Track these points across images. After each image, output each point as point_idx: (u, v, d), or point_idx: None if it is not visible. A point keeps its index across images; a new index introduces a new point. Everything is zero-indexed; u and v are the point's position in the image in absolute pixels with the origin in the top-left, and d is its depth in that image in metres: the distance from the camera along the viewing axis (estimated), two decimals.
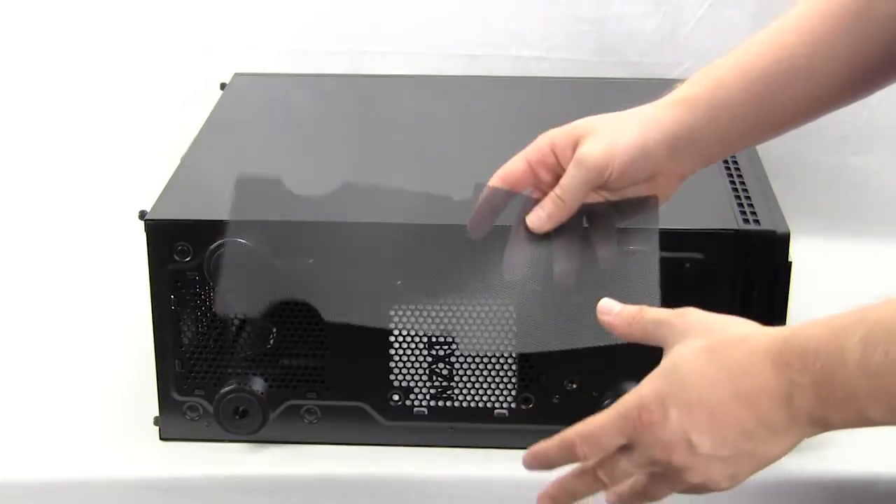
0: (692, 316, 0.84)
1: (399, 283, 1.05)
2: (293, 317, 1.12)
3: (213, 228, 1.09)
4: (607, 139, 0.97)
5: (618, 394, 1.11)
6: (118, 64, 1.61)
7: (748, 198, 1.14)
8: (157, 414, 1.15)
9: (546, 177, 1.01)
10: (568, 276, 0.99)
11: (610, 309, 0.89)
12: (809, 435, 0.79)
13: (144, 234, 1.10)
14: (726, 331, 0.82)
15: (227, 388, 1.12)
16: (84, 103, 1.62)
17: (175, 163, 1.22)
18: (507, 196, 1.01)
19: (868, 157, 1.56)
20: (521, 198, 1.01)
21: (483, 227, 1.01)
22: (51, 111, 1.62)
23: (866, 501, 1.11)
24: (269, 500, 1.12)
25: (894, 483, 1.10)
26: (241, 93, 1.41)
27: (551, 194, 0.99)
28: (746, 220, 1.09)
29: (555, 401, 1.13)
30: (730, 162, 1.21)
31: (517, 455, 1.13)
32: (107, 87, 1.61)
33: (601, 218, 1.01)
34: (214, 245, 1.08)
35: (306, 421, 1.15)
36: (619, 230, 1.00)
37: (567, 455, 0.84)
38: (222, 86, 1.42)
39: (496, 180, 1.01)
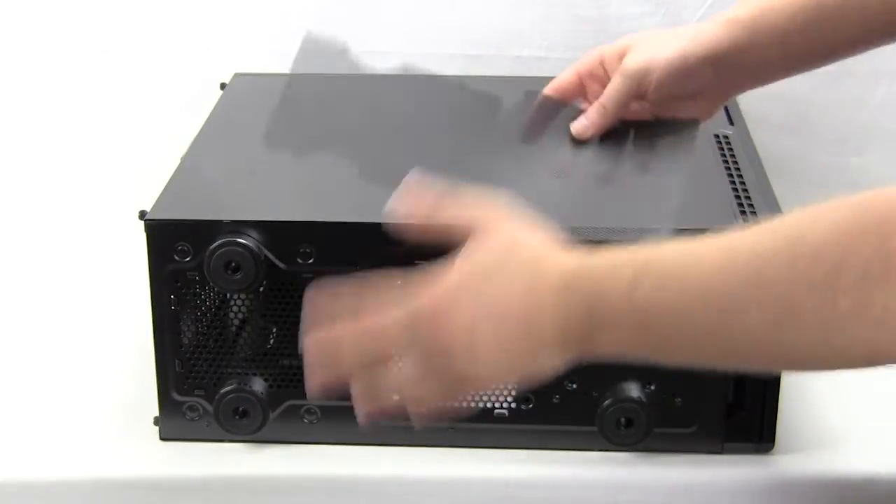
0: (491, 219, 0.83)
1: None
2: (293, 317, 1.12)
3: (213, 228, 1.09)
4: (650, 51, 1.05)
5: (618, 394, 1.11)
6: (118, 64, 1.61)
7: (748, 198, 1.14)
8: (157, 414, 1.15)
9: (595, 88, 1.09)
10: (606, 177, 1.06)
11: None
12: (580, 357, 0.79)
13: (144, 234, 1.10)
14: (522, 247, 0.81)
15: (227, 388, 1.12)
16: (84, 103, 1.62)
17: (175, 163, 1.22)
18: (557, 105, 1.09)
19: (868, 157, 1.56)
20: (571, 107, 1.10)
21: (535, 132, 1.08)
22: (51, 111, 1.62)
23: (866, 501, 1.11)
24: (269, 500, 1.12)
25: (894, 483, 1.11)
26: (241, 93, 1.41)
27: (595, 103, 1.08)
28: (746, 220, 1.09)
29: (555, 401, 1.13)
30: (730, 162, 1.21)
31: (517, 455, 1.14)
32: (107, 87, 1.61)
33: (643, 130, 1.08)
34: (214, 245, 1.08)
35: (306, 421, 1.15)
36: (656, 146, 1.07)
37: (350, 344, 0.83)
38: (222, 86, 1.42)
39: (548, 90, 1.10)
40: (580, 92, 1.10)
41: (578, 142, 1.09)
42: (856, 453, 1.12)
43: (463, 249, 0.82)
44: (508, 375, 0.82)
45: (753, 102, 1.34)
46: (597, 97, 1.09)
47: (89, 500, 1.11)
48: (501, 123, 1.12)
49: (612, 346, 0.78)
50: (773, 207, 1.13)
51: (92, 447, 1.15)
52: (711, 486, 1.11)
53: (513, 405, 1.13)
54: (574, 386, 1.12)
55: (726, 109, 1.35)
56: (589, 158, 1.07)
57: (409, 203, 0.86)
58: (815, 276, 0.70)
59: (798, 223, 0.73)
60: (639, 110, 1.09)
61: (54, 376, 1.25)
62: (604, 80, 1.09)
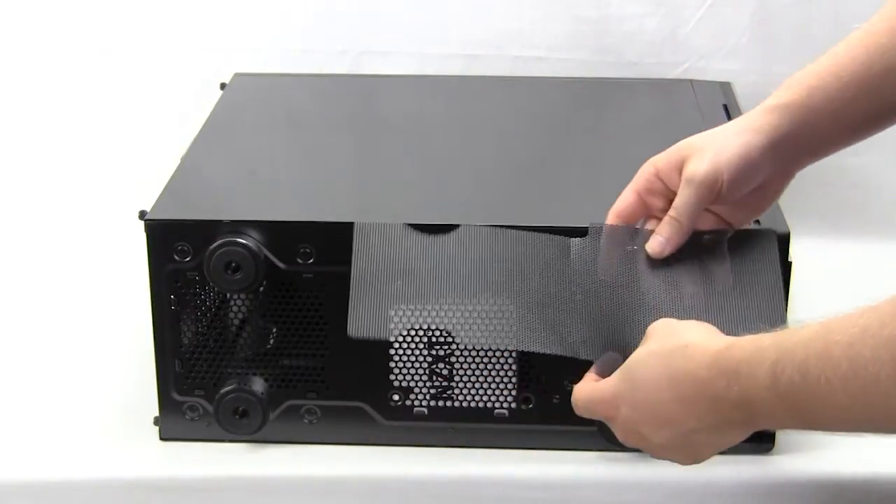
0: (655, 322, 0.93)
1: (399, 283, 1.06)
2: (293, 317, 1.12)
3: (213, 228, 1.09)
4: (711, 154, 1.01)
5: None
6: (118, 64, 1.61)
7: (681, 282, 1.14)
8: (157, 414, 1.15)
9: (657, 203, 1.05)
10: (696, 296, 1.03)
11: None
12: (753, 430, 0.87)
13: (144, 234, 1.10)
14: (676, 338, 0.89)
15: (227, 388, 1.12)
16: (84, 103, 1.62)
17: (175, 163, 1.22)
18: (627, 231, 1.05)
19: (868, 157, 1.55)
20: (640, 230, 1.05)
21: (612, 266, 1.05)
22: (51, 111, 1.62)
23: (866, 501, 1.11)
24: (269, 500, 1.12)
25: (894, 483, 1.11)
26: (241, 93, 1.41)
27: (666, 217, 1.03)
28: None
29: (555, 401, 1.13)
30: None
31: (517, 455, 1.14)
32: (107, 87, 1.61)
33: (716, 240, 1.05)
34: (214, 245, 1.08)
35: (306, 421, 1.15)
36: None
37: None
38: (222, 86, 1.42)
39: (611, 218, 1.05)
40: (643, 212, 1.06)
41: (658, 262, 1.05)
42: (855, 453, 1.12)
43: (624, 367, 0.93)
44: (701, 459, 0.91)
45: (754, 103, 1.34)
46: (661, 212, 1.05)
47: (89, 500, 1.11)
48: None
49: (773, 426, 0.86)
50: (774, 207, 1.13)
51: (92, 447, 1.15)
52: (711, 486, 1.11)
53: (513, 405, 1.13)
54: (574, 386, 1.12)
55: (725, 108, 1.35)
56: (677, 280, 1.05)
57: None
58: None
59: None
60: (710, 219, 1.06)
61: (54, 377, 1.25)
62: (664, 194, 1.04)
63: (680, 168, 1.02)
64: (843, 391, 0.76)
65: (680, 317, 0.96)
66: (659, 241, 1.04)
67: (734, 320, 1.01)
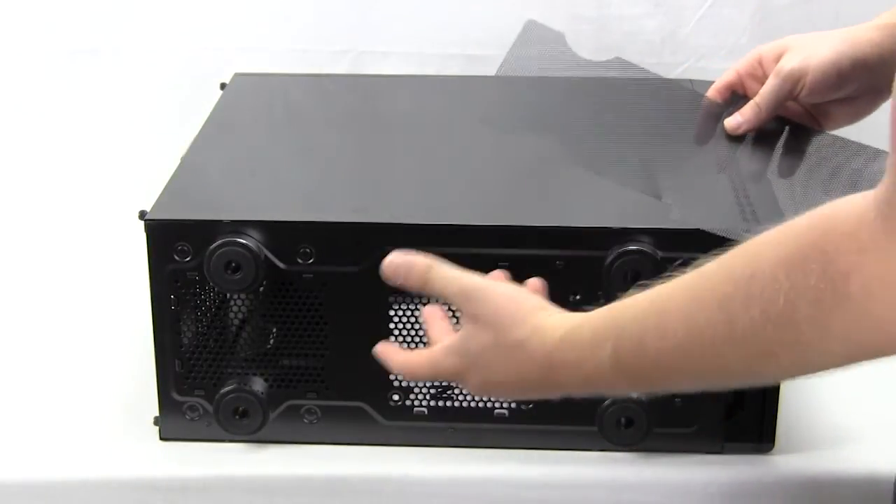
0: (479, 305, 0.91)
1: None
2: (293, 317, 1.12)
3: (213, 228, 1.09)
4: (805, 53, 1.08)
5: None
6: (118, 64, 1.61)
7: (748, 198, 1.14)
8: (157, 414, 1.15)
9: (754, 87, 1.13)
10: (758, 175, 1.10)
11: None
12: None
13: (144, 234, 1.10)
14: (516, 331, 0.89)
15: (227, 388, 1.12)
16: (84, 103, 1.62)
17: (175, 163, 1.22)
18: (722, 106, 1.14)
19: None
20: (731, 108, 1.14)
21: (706, 133, 1.13)
22: (51, 111, 1.62)
23: (866, 501, 1.11)
24: (269, 500, 1.12)
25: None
26: (241, 93, 1.41)
27: (751, 101, 1.12)
28: (746, 220, 1.09)
29: (555, 401, 1.13)
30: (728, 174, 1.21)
31: (517, 455, 1.14)
32: (107, 88, 1.61)
33: (803, 133, 1.12)
34: (214, 245, 1.08)
35: (306, 421, 1.15)
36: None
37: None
38: (222, 86, 1.42)
39: (711, 92, 1.15)
40: (741, 91, 1.15)
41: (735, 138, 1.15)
42: (856, 453, 1.12)
43: (460, 334, 0.92)
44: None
45: None
46: (756, 95, 1.13)
47: (89, 500, 1.11)
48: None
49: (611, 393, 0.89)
50: (774, 207, 1.13)
51: (92, 447, 1.15)
52: (711, 486, 1.11)
53: (513, 405, 1.13)
54: None
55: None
56: (746, 155, 1.14)
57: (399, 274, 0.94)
58: (773, 314, 0.72)
59: (746, 260, 0.75)
60: (796, 109, 1.12)
61: (54, 376, 1.25)
62: (762, 79, 1.12)
63: (778, 59, 1.09)
64: (681, 357, 0.78)
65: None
66: (737, 119, 1.13)
67: None
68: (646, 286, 0.82)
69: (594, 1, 1.56)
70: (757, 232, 0.76)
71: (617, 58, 1.19)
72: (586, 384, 0.86)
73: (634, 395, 0.92)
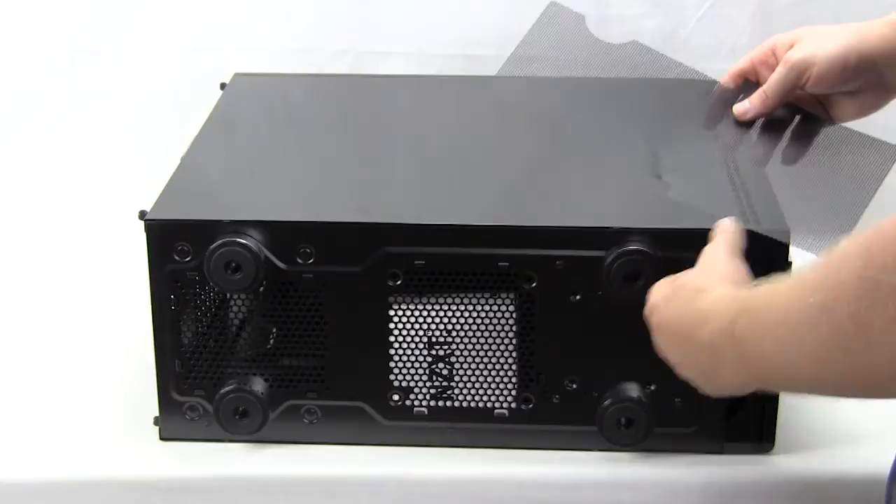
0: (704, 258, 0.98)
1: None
2: (293, 317, 1.12)
3: (213, 228, 1.09)
4: (814, 45, 1.10)
5: (618, 394, 1.11)
6: (118, 64, 1.61)
7: (748, 198, 1.14)
8: (157, 414, 1.15)
9: (766, 75, 1.15)
10: (762, 161, 1.11)
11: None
12: (720, 385, 0.91)
13: (144, 234, 1.10)
14: (704, 277, 0.95)
15: (227, 388, 1.12)
16: (84, 103, 1.62)
17: (175, 163, 1.22)
18: (735, 92, 1.16)
19: (868, 157, 1.55)
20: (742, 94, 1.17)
21: (716, 118, 1.15)
22: (51, 111, 1.62)
23: (867, 501, 1.11)
24: (269, 500, 1.12)
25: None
26: (241, 93, 1.41)
27: (759, 89, 1.14)
28: (746, 220, 1.09)
29: (555, 401, 1.13)
30: (730, 162, 1.21)
31: (517, 455, 1.14)
32: (107, 87, 1.61)
33: (813, 123, 1.14)
34: (214, 245, 1.08)
35: (306, 421, 1.15)
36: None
37: None
38: (222, 86, 1.42)
39: (725, 79, 1.18)
40: (754, 79, 1.18)
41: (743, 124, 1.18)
42: (856, 453, 1.12)
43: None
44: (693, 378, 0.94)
45: None
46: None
47: (89, 500, 1.11)
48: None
49: (734, 377, 0.87)
50: (774, 207, 1.13)
51: (92, 447, 1.15)
52: (711, 486, 1.11)
53: (513, 405, 1.13)
54: (574, 386, 1.12)
55: None
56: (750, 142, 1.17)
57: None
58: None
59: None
60: (807, 99, 1.14)
61: (54, 376, 1.25)
62: (774, 68, 1.15)
63: (790, 48, 1.12)
64: (772, 338, 0.80)
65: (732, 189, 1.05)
66: (745, 105, 1.15)
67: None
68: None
69: (594, 1, 1.56)
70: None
71: (634, 41, 1.21)
72: (711, 346, 0.87)
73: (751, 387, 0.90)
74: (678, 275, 0.99)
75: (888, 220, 0.73)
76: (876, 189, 1.11)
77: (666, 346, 0.95)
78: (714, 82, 1.19)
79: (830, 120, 1.16)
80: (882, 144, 1.15)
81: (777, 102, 1.14)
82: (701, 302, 0.91)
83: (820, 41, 1.10)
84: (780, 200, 1.06)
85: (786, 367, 0.81)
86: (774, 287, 0.82)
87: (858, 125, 1.19)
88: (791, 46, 1.13)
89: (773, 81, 1.14)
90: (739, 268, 0.97)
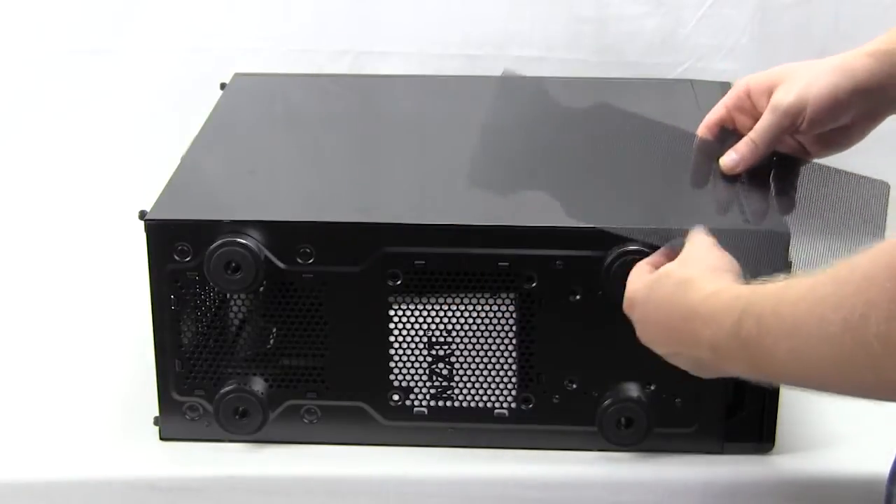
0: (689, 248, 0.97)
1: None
2: (293, 317, 1.12)
3: (213, 228, 1.09)
4: (801, 85, 1.04)
5: (618, 394, 1.11)
6: (118, 64, 1.61)
7: (749, 199, 1.14)
8: (157, 414, 1.15)
9: (744, 121, 1.08)
10: (758, 215, 1.07)
11: None
12: (722, 373, 0.90)
13: (144, 234, 1.10)
14: (689, 267, 0.94)
15: (227, 388, 1.12)
16: (84, 103, 1.62)
17: (175, 163, 1.22)
18: (715, 143, 1.09)
19: (868, 157, 1.55)
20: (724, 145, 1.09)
21: (702, 175, 1.09)
22: (51, 111, 1.62)
23: (866, 501, 1.11)
24: (269, 500, 1.12)
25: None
26: (241, 93, 1.41)
27: (745, 138, 1.07)
28: (747, 220, 1.09)
29: (555, 401, 1.13)
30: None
31: (517, 455, 1.14)
32: (107, 87, 1.61)
33: (791, 164, 1.09)
34: (214, 245, 1.08)
35: (306, 421, 1.15)
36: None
37: None
38: (222, 86, 1.42)
39: (701, 130, 1.09)
40: (731, 126, 1.10)
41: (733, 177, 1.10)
42: (856, 453, 1.12)
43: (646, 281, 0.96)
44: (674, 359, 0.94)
45: None
46: (746, 130, 1.08)
47: (89, 500, 1.11)
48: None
49: (737, 372, 0.87)
50: (772, 208, 1.13)
51: (92, 447, 1.15)
52: (711, 486, 1.11)
53: (513, 405, 1.13)
54: (574, 386, 1.12)
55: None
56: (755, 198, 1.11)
57: None
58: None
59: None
60: (791, 144, 1.09)
61: (54, 376, 1.25)
62: (752, 112, 1.08)
63: (769, 92, 1.06)
64: (785, 348, 0.79)
65: (725, 239, 1.00)
66: (733, 158, 1.07)
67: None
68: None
69: (594, 1, 1.56)
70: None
71: (602, 103, 1.14)
72: (713, 345, 0.87)
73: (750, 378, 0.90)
74: (653, 262, 0.99)
75: None
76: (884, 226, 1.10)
77: (652, 338, 0.95)
78: (692, 136, 1.09)
79: (807, 156, 1.11)
80: (871, 181, 1.12)
81: (768, 150, 1.07)
82: (690, 295, 0.90)
83: (806, 81, 1.04)
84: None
85: (801, 372, 0.81)
86: (781, 292, 0.81)
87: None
88: (769, 89, 1.07)
89: (763, 129, 1.06)
90: (724, 255, 0.96)
